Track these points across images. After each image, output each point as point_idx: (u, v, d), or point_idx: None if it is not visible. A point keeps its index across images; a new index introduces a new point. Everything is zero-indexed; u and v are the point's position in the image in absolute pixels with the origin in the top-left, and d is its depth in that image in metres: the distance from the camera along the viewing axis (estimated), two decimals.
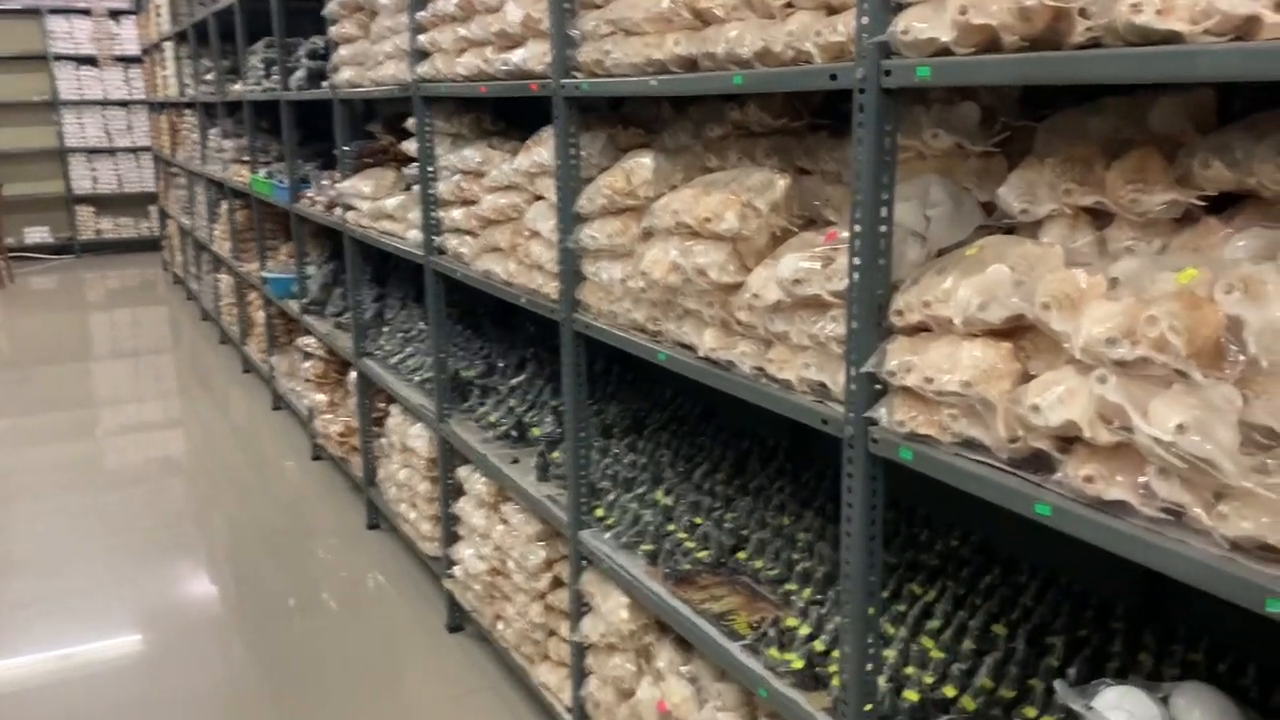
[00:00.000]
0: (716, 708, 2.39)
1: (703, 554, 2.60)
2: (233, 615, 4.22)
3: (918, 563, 2.50)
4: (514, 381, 3.95)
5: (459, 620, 4.04)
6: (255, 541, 5.01)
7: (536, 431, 3.51)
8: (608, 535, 2.76)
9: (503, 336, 4.67)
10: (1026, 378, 1.47)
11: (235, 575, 4.63)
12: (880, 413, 1.68)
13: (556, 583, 3.22)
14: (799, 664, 2.06)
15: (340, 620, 4.19)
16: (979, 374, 1.47)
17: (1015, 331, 1.51)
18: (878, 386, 1.71)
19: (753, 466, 3.12)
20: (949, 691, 1.97)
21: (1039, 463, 1.49)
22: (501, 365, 4.19)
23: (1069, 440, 1.42)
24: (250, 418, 7.01)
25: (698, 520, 2.75)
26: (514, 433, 3.55)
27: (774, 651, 2.12)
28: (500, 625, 3.54)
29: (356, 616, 4.23)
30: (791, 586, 2.42)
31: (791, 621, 2.24)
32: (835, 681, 1.98)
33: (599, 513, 2.85)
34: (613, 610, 2.67)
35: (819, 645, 2.13)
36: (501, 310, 5.10)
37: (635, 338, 2.44)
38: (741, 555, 2.59)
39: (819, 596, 2.35)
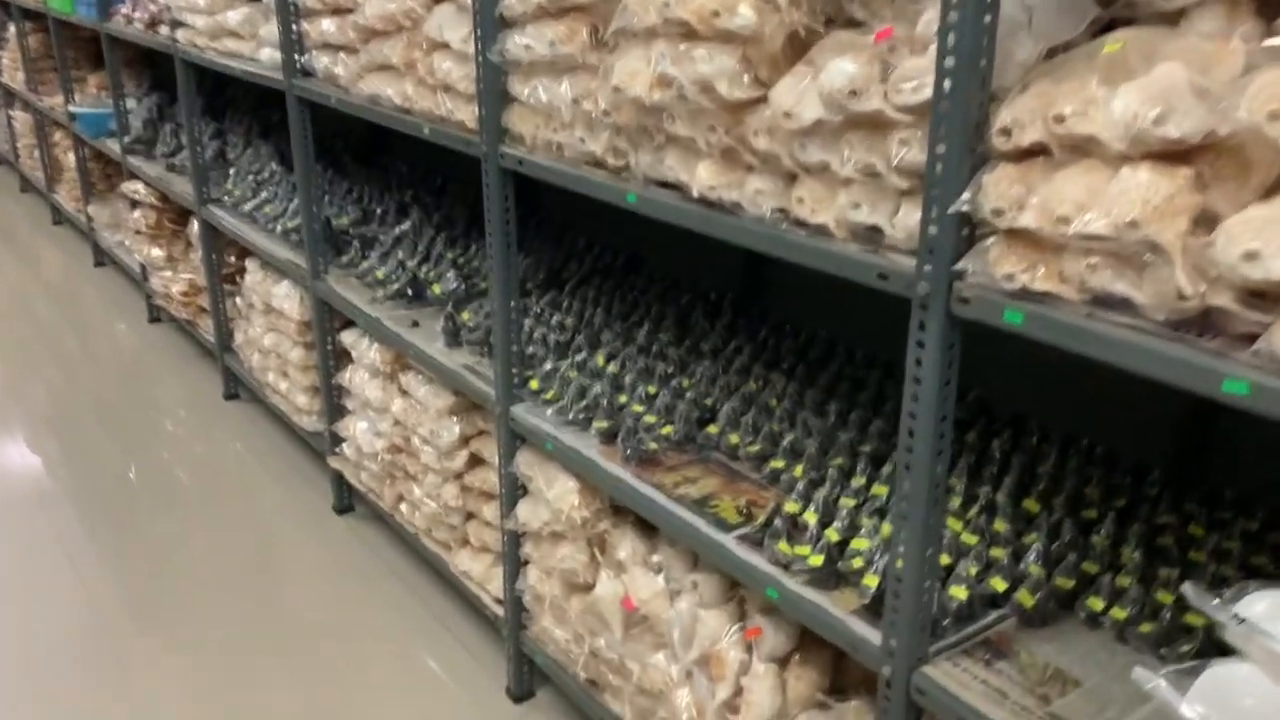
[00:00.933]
0: (696, 603, 2.07)
1: (667, 430, 2.23)
2: (67, 500, 3.65)
3: None
4: (398, 231, 3.41)
5: (348, 501, 3.60)
6: (87, 414, 4.37)
7: (437, 289, 3.02)
8: (550, 411, 2.35)
9: (372, 178, 4.07)
10: (1204, 215, 1.12)
11: (66, 454, 4.02)
12: (973, 264, 1.31)
13: (475, 461, 2.81)
14: (817, 560, 1.74)
15: (202, 502, 3.68)
16: (1149, 210, 1.11)
17: (1183, 155, 1.15)
18: (964, 231, 1.33)
19: (699, 323, 2.74)
20: (998, 585, 1.69)
21: (1204, 325, 1.16)
22: (379, 212, 3.63)
23: (1258, 296, 1.09)
24: (68, 277, 6.16)
25: (651, 390, 2.37)
26: (409, 291, 3.05)
27: (785, 545, 1.80)
28: (405, 508, 3.12)
29: (220, 497, 3.72)
30: (778, 464, 2.08)
31: (792, 507, 1.91)
32: (869, 581, 1.68)
33: (534, 384, 2.44)
34: (560, 497, 2.29)
35: (832, 534, 1.81)
36: (367, 147, 4.47)
37: (590, 175, 1.98)
38: (711, 429, 2.23)
39: (814, 474, 2.03)
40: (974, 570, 1.70)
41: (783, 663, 1.94)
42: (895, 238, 1.44)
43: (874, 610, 1.66)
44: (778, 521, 1.84)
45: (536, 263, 3.14)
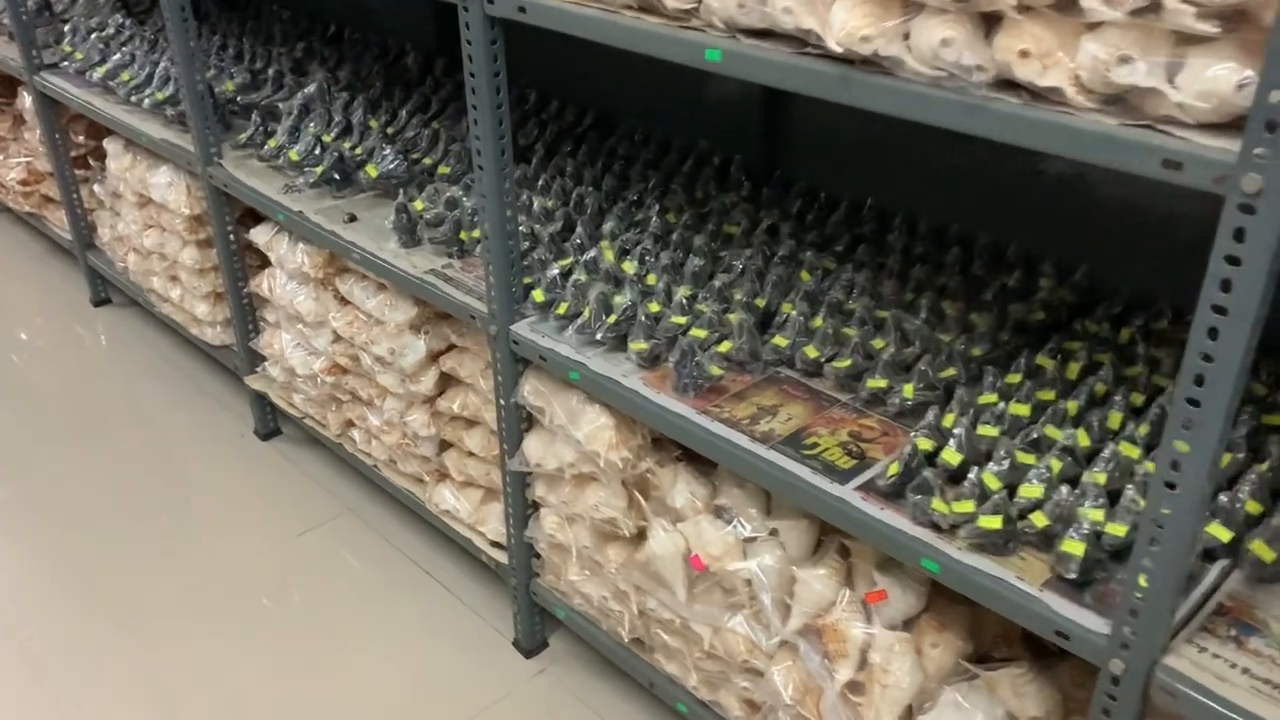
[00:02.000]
0: (783, 558, 1.69)
1: (725, 346, 1.78)
2: None
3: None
4: (301, 97, 2.76)
5: (273, 424, 3.06)
6: None
7: (372, 171, 2.43)
8: (570, 330, 1.87)
9: (248, 28, 3.34)
10: None
11: None
12: None
13: (448, 381, 2.32)
14: (993, 523, 1.37)
15: (87, 433, 3.08)
16: None
17: None
18: None
19: (714, 197, 2.26)
20: (1220, 533, 1.35)
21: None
22: (271, 73, 2.95)
23: None
24: None
25: (686, 292, 1.90)
26: (335, 175, 2.45)
27: (940, 503, 1.41)
28: (357, 435, 2.62)
29: (110, 426, 3.13)
30: (878, 383, 1.67)
31: (923, 443, 1.52)
32: (1070, 547, 1.31)
33: (538, 295, 1.94)
34: (593, 436, 1.84)
35: (990, 480, 1.43)
36: None
37: (643, 24, 1.45)
38: (779, 341, 1.79)
39: (926, 393, 1.63)
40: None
41: (910, 626, 1.59)
42: (1184, 103, 1.00)
43: (1077, 584, 1.31)
44: (926, 473, 1.45)
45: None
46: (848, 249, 2.02)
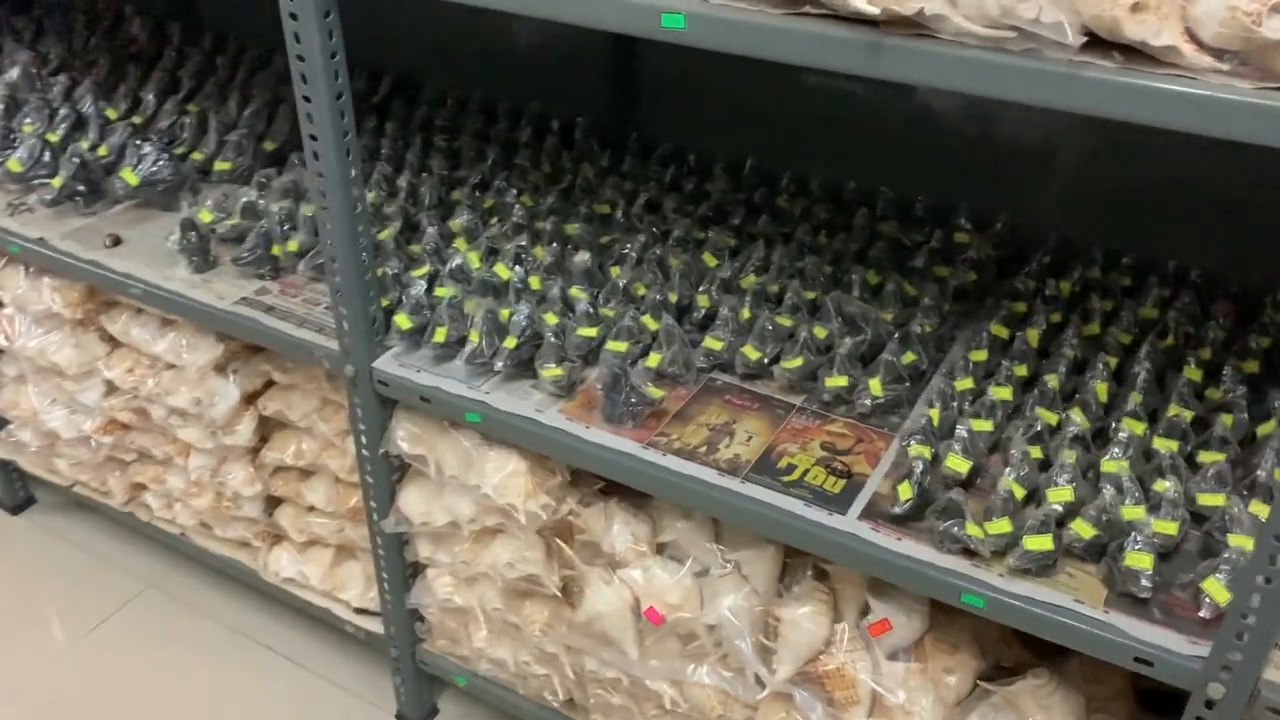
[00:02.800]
0: (754, 595, 1.47)
1: (654, 360, 1.50)
2: None
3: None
4: (4, 85, 2.16)
5: (23, 494, 2.48)
6: None
7: (131, 178, 1.92)
8: (458, 361, 1.52)
9: None
10: None
11: None
12: None
13: (273, 426, 1.90)
14: (1042, 543, 1.19)
15: None
16: None
17: None
18: None
19: (574, 169, 1.94)
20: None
21: None
22: None
23: None
24: None
25: (577, 293, 1.60)
26: (80, 187, 1.92)
27: (974, 527, 1.22)
28: (153, 501, 2.14)
29: None
30: (839, 380, 1.46)
31: (921, 451, 1.32)
32: (1136, 561, 1.16)
33: (402, 320, 1.56)
34: (504, 486, 1.52)
35: (1014, 488, 1.25)
36: None
37: None
38: (712, 344, 1.53)
39: (895, 388, 1.44)
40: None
41: (917, 652, 1.42)
42: None
43: (1136, 599, 1.16)
44: (953, 493, 1.25)
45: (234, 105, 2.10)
46: (745, 221, 1.78)
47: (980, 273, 1.66)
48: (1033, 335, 1.52)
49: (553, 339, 1.48)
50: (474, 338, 1.52)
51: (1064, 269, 1.67)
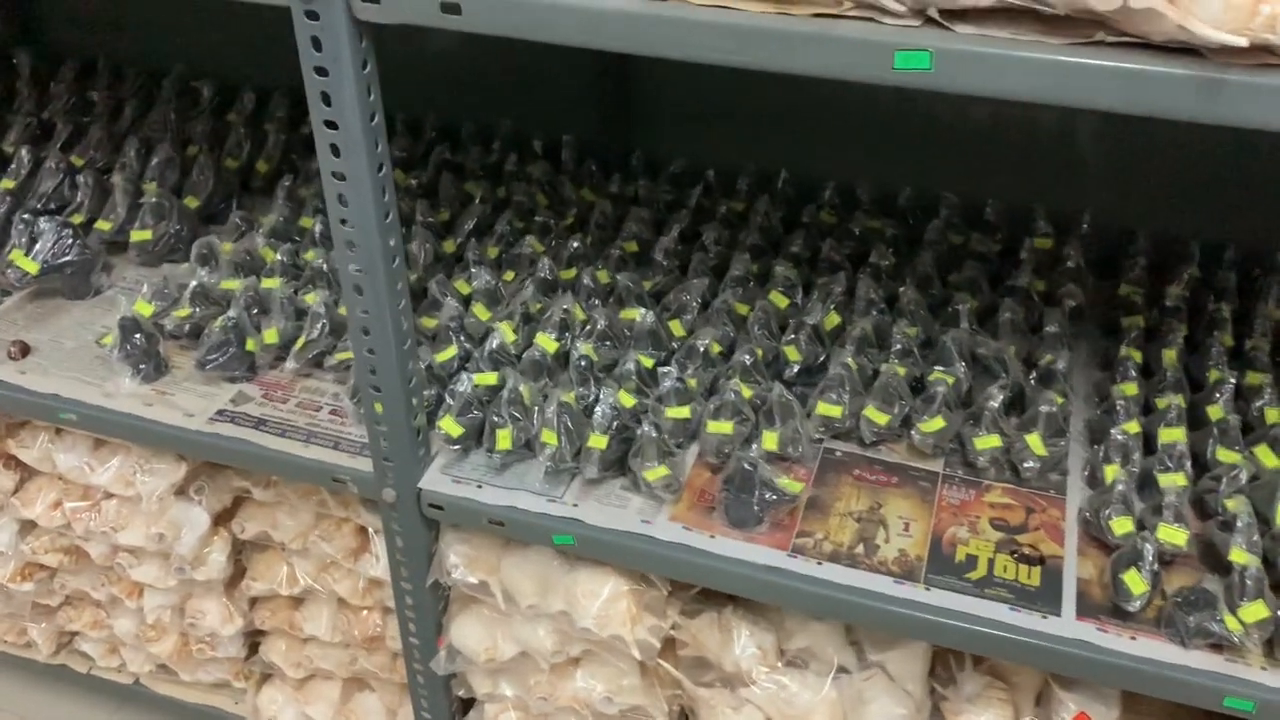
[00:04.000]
0: (910, 701, 1.26)
1: (771, 441, 1.25)
2: None
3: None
4: None
5: None
6: None
7: (28, 265, 1.51)
8: (536, 472, 1.23)
9: None
10: None
11: None
12: None
13: (250, 549, 1.56)
14: None
15: None
16: None
17: None
18: None
19: (568, 198, 1.65)
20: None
21: None
22: None
23: None
24: None
25: (650, 364, 1.33)
26: None
27: (1232, 619, 1.04)
28: (93, 649, 1.74)
29: None
30: (990, 441, 1.24)
31: (1122, 525, 1.13)
32: None
33: (449, 426, 1.25)
34: (605, 614, 1.24)
35: (1244, 558, 1.08)
36: None
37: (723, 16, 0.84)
38: (828, 411, 1.29)
39: (1057, 443, 1.24)
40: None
41: None
42: None
43: None
44: (1208, 582, 1.06)
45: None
46: (803, 246, 1.54)
47: (1082, 284, 1.48)
48: (1170, 356, 1.35)
49: (651, 430, 1.21)
50: (549, 439, 1.23)
51: (1163, 269, 1.51)
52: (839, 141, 1.66)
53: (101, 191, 1.64)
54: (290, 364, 1.38)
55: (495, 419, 1.25)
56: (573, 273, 1.49)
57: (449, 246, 1.56)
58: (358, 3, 0.92)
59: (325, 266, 1.48)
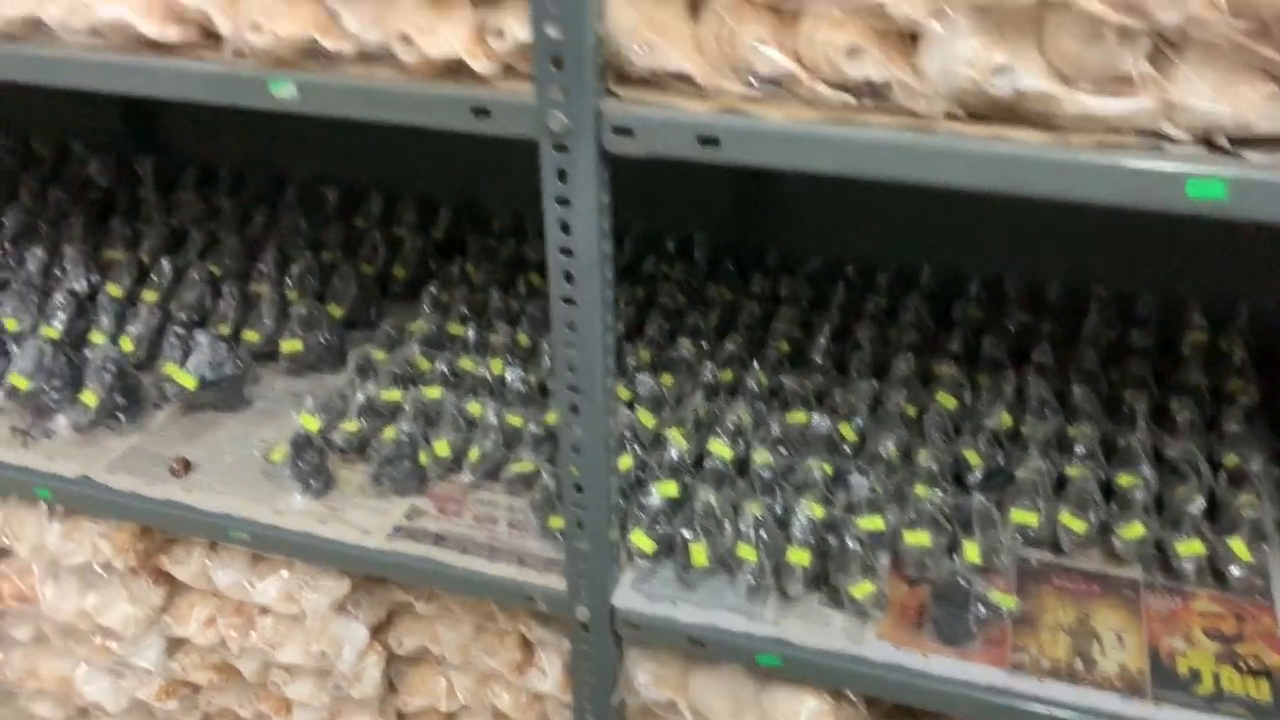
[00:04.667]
0: None
1: (973, 553, 1.23)
2: None
3: None
4: None
5: None
6: None
7: (186, 380, 1.50)
8: (736, 588, 1.20)
9: None
10: None
11: None
12: None
13: (407, 663, 1.53)
14: None
15: None
16: None
17: None
18: None
19: (710, 296, 1.65)
20: None
21: None
22: None
23: None
24: None
25: (828, 470, 1.31)
26: (120, 399, 1.49)
27: None
28: None
29: None
30: (1193, 547, 1.22)
31: None
32: None
33: (642, 541, 1.23)
34: None
35: None
36: None
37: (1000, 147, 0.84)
38: (1024, 518, 1.27)
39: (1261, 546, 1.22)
40: None
41: None
42: None
43: None
44: None
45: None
46: (964, 344, 1.53)
47: (1248, 378, 1.47)
48: None
49: (855, 545, 1.19)
50: (747, 554, 1.21)
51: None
52: (980, 234, 1.66)
53: (244, 301, 1.64)
54: (466, 477, 1.36)
55: (687, 533, 1.23)
56: (729, 375, 1.49)
57: None
58: (610, 136, 0.92)
59: (487, 375, 1.47)
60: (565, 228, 0.97)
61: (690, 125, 0.89)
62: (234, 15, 0.98)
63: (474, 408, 1.43)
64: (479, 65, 0.93)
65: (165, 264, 1.68)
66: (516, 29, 0.90)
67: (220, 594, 1.50)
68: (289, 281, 1.68)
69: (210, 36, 1.03)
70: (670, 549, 1.25)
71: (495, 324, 1.60)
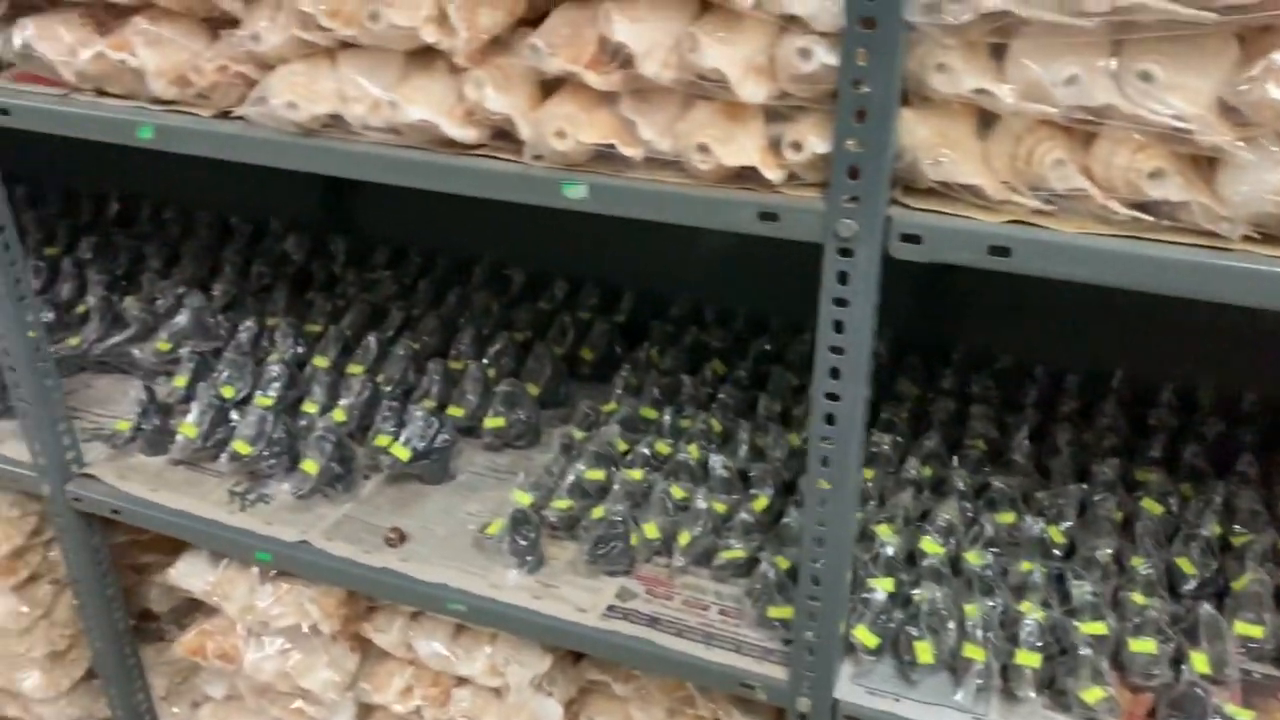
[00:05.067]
0: None
1: (1201, 662, 1.22)
2: None
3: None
4: (176, 331, 1.80)
5: None
6: None
7: (400, 451, 1.56)
8: (964, 688, 1.21)
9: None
10: None
11: None
12: None
13: None
14: None
15: None
16: None
17: None
18: None
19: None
20: None
21: None
22: (95, 301, 1.92)
23: None
24: None
25: (1041, 571, 1.32)
26: (336, 468, 1.56)
27: None
28: None
29: None
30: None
31: None
32: None
33: (865, 636, 1.25)
34: None
35: None
36: None
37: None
38: (1248, 630, 1.26)
39: None
40: None
41: None
42: None
43: None
44: None
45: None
46: (1164, 452, 1.53)
47: None
48: None
49: (1087, 649, 1.19)
50: (974, 653, 1.21)
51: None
52: (1170, 339, 1.66)
53: (447, 377, 1.71)
54: (678, 560, 1.39)
55: (913, 630, 1.24)
56: (929, 470, 1.50)
57: (794, 440, 1.59)
58: (896, 243, 0.96)
59: (689, 460, 1.51)
60: (839, 327, 1.02)
61: (982, 235, 0.93)
62: (535, 121, 1.04)
63: (677, 491, 1.47)
64: (772, 174, 0.98)
65: (371, 340, 1.76)
66: (816, 142, 0.95)
67: (418, 663, 1.54)
68: (487, 360, 1.74)
69: (501, 137, 1.10)
70: (891, 645, 1.26)
71: (687, 409, 1.65)
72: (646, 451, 1.55)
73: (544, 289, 1.96)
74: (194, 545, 1.62)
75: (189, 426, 1.59)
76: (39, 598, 1.85)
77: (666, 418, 1.61)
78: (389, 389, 1.69)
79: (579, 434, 1.61)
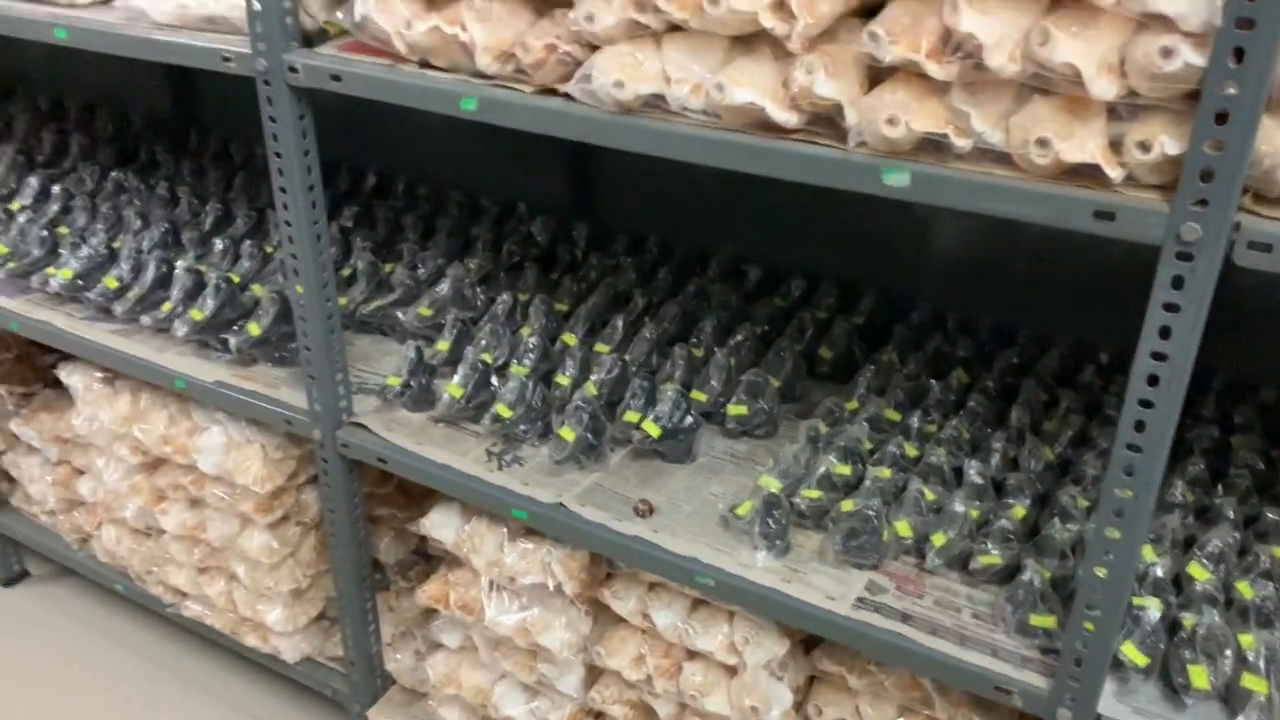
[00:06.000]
0: None
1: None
2: None
3: None
4: (436, 297, 1.90)
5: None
6: None
7: (652, 428, 1.62)
8: (1250, 713, 1.18)
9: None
10: None
11: None
12: None
13: None
14: None
15: None
16: None
17: None
18: None
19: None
20: None
21: None
22: (362, 265, 2.05)
23: None
24: None
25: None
26: (590, 437, 1.62)
27: None
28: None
29: None
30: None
31: None
32: None
33: (1134, 654, 1.22)
34: None
35: None
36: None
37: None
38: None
39: None
40: None
41: None
42: None
43: None
44: None
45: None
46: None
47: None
48: None
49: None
50: (1255, 684, 1.17)
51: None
52: None
53: (690, 362, 1.75)
54: (932, 560, 1.39)
55: (1187, 653, 1.21)
56: (1191, 495, 1.46)
57: (1048, 454, 1.56)
58: (1243, 249, 0.95)
59: (942, 464, 1.51)
60: (1165, 333, 1.00)
61: None
62: (865, 107, 1.07)
63: (929, 494, 1.47)
64: (1113, 172, 0.98)
65: (619, 321, 1.82)
66: (1169, 143, 0.95)
67: (652, 633, 1.59)
68: (728, 350, 1.78)
69: (817, 123, 1.13)
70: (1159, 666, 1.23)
71: (933, 414, 1.64)
72: (895, 451, 1.55)
73: (779, 285, 1.99)
74: (444, 498, 1.71)
75: (455, 387, 1.68)
76: (288, 537, 1.98)
77: (913, 421, 1.61)
78: (633, 369, 1.74)
79: (824, 428, 1.62)
